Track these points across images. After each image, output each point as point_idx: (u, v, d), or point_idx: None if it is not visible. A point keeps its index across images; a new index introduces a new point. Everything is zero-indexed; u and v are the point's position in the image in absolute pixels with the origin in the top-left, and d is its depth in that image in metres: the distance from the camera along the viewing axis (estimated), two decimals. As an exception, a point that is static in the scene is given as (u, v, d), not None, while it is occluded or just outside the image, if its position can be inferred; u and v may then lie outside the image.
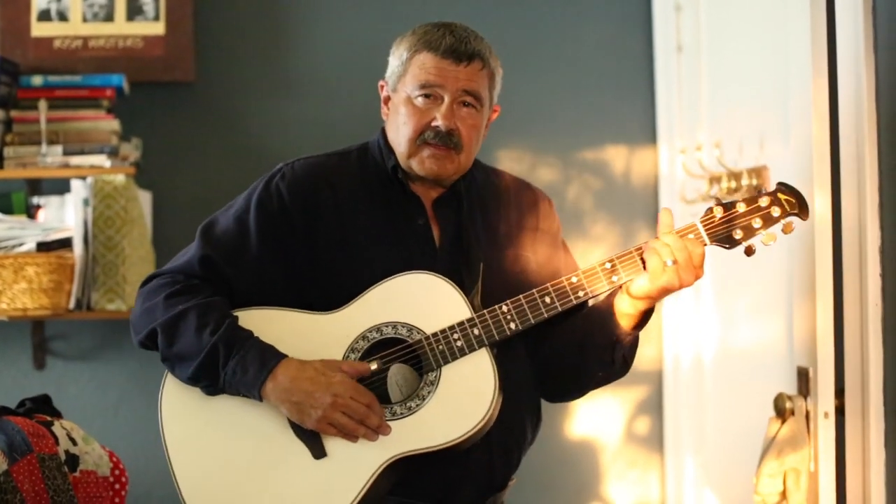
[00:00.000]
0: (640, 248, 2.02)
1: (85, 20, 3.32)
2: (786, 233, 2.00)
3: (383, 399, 2.02)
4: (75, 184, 3.14)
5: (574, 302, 2.03)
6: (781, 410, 2.42)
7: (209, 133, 3.41)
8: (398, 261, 2.09)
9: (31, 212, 3.22)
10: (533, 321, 2.03)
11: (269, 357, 2.01)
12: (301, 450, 2.02)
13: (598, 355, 2.10)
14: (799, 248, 2.48)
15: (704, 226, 2.02)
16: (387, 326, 2.05)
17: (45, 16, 3.32)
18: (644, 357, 3.44)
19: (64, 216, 3.18)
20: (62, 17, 3.32)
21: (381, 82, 2.21)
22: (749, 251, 2.02)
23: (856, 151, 2.30)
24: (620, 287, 2.04)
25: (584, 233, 3.45)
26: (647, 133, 3.48)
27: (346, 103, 3.38)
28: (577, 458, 3.48)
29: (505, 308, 2.03)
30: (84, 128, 3.19)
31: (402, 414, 2.01)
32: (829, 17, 2.34)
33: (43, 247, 3.06)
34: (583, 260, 2.21)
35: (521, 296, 2.04)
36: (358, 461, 1.99)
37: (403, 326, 2.05)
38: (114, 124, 3.20)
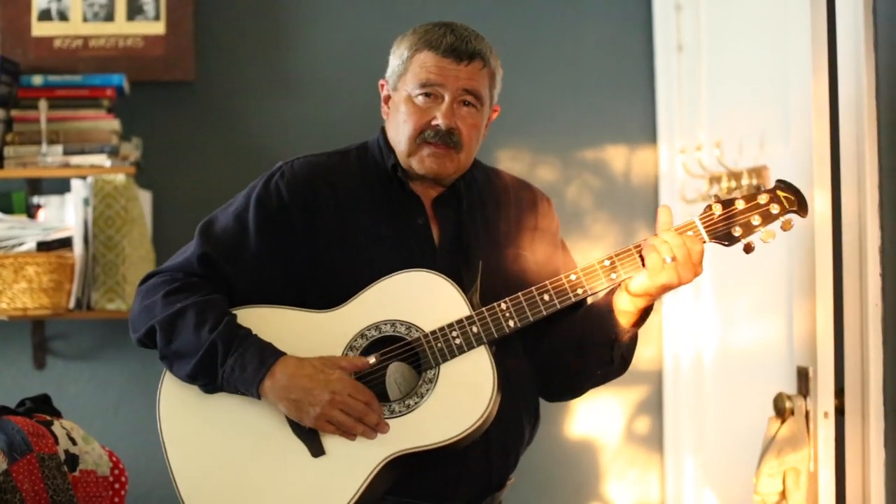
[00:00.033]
0: (639, 246, 2.02)
1: (85, 20, 3.33)
2: (785, 230, 2.00)
3: (382, 397, 2.02)
4: (75, 183, 3.14)
5: (573, 299, 2.03)
6: (781, 410, 2.42)
7: (209, 133, 3.41)
8: (398, 260, 2.09)
9: (31, 211, 3.22)
10: (532, 319, 2.03)
11: (268, 355, 2.01)
12: (299, 448, 2.02)
13: (597, 353, 2.10)
14: (799, 247, 2.47)
15: (703, 223, 2.02)
16: (385, 324, 2.05)
17: (45, 15, 3.32)
18: (644, 357, 3.44)
19: (64, 216, 3.18)
20: (62, 16, 3.32)
21: (381, 81, 2.21)
22: (748, 248, 2.02)
23: (856, 150, 2.30)
24: (619, 285, 2.04)
25: (585, 233, 3.45)
26: (647, 133, 3.47)
27: (346, 103, 3.38)
28: (576, 458, 3.48)
29: (504, 306, 2.03)
30: (84, 127, 3.19)
31: (400, 412, 2.01)
32: (830, 16, 2.34)
33: (43, 246, 3.06)
34: (583, 260, 2.21)
35: (519, 293, 2.04)
36: (356, 459, 1.99)
37: (402, 324, 2.04)
38: (114, 124, 3.20)
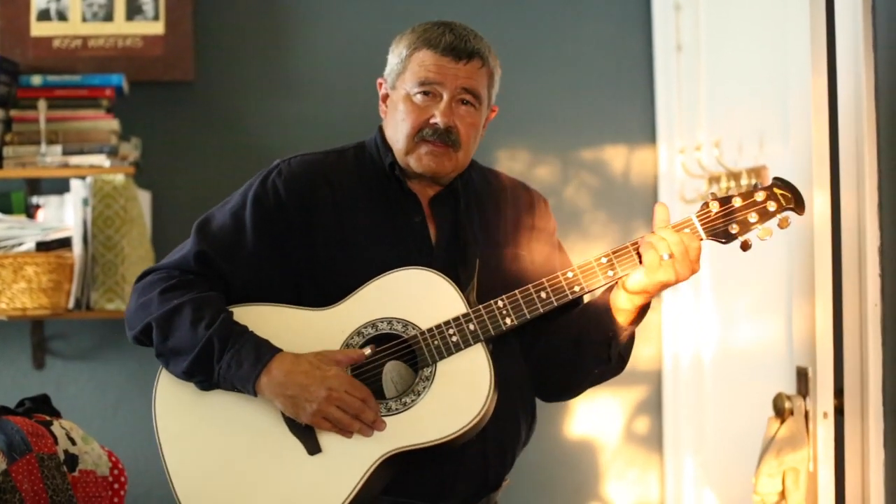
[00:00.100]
0: (637, 243, 2.02)
1: (84, 20, 3.33)
2: (782, 228, 2.00)
3: (378, 395, 2.02)
4: (75, 183, 3.14)
5: (570, 297, 2.03)
6: (781, 410, 2.41)
7: (209, 133, 3.41)
8: (395, 258, 2.09)
9: (30, 211, 3.22)
10: (529, 316, 2.03)
11: (264, 351, 2.00)
12: (295, 445, 2.01)
13: (595, 351, 2.10)
14: (798, 247, 2.47)
15: (700, 220, 2.02)
16: (382, 322, 2.05)
17: (44, 15, 3.32)
18: (643, 357, 3.44)
19: (63, 216, 3.18)
20: (62, 16, 3.32)
21: (379, 80, 2.21)
22: (745, 246, 2.02)
23: (855, 151, 2.30)
24: (617, 282, 2.03)
25: (583, 233, 3.45)
26: (646, 132, 3.47)
27: (345, 103, 3.38)
28: (576, 458, 3.48)
29: (501, 303, 2.03)
30: (83, 127, 3.20)
31: (397, 409, 2.00)
32: (829, 16, 2.33)
33: (42, 246, 3.06)
34: (581, 259, 2.21)
35: (516, 291, 2.03)
36: (352, 457, 1.99)
37: (399, 322, 2.04)
38: (113, 124, 3.20)
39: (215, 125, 3.41)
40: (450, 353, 2.02)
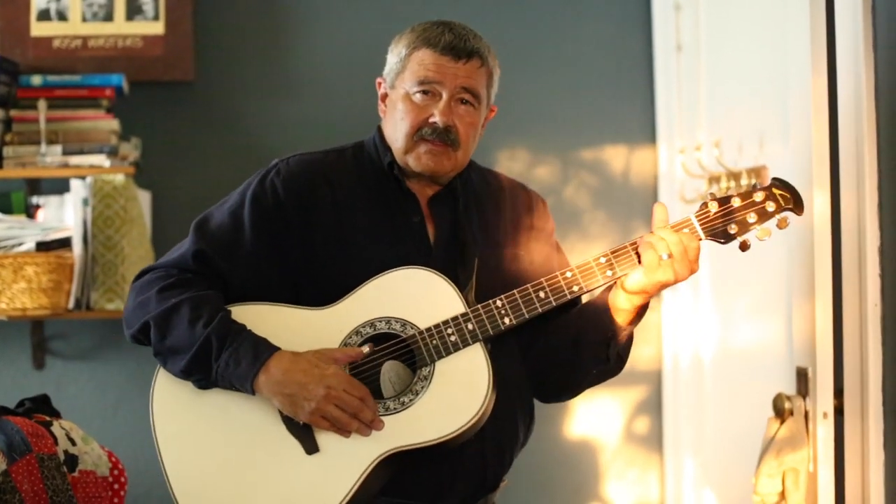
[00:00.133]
0: (635, 243, 2.02)
1: (84, 20, 3.33)
2: (781, 228, 2.00)
3: (376, 395, 2.01)
4: (75, 183, 3.14)
5: (569, 297, 2.03)
6: (780, 410, 2.41)
7: (208, 133, 3.41)
8: (393, 257, 2.08)
9: (30, 211, 3.22)
10: (527, 316, 2.03)
11: (263, 349, 2.00)
12: (293, 445, 2.01)
13: (593, 351, 2.10)
14: (798, 248, 2.47)
15: (699, 220, 2.02)
16: (380, 321, 2.05)
17: (44, 15, 3.32)
18: (643, 357, 3.44)
19: (63, 216, 3.18)
20: (62, 16, 3.32)
21: (378, 79, 2.21)
22: (744, 246, 2.02)
23: (855, 151, 2.30)
24: (616, 282, 2.03)
25: (583, 233, 3.45)
26: (646, 132, 3.47)
27: (345, 103, 3.38)
28: (576, 458, 3.48)
29: (499, 303, 2.03)
30: (83, 127, 3.20)
31: (395, 409, 2.00)
32: (829, 16, 2.33)
33: (42, 246, 3.06)
34: (580, 259, 2.20)
35: (515, 291, 2.03)
36: (350, 456, 1.99)
37: (397, 321, 2.04)
38: (113, 124, 3.20)
39: (215, 125, 3.41)
40: (448, 353, 2.01)
